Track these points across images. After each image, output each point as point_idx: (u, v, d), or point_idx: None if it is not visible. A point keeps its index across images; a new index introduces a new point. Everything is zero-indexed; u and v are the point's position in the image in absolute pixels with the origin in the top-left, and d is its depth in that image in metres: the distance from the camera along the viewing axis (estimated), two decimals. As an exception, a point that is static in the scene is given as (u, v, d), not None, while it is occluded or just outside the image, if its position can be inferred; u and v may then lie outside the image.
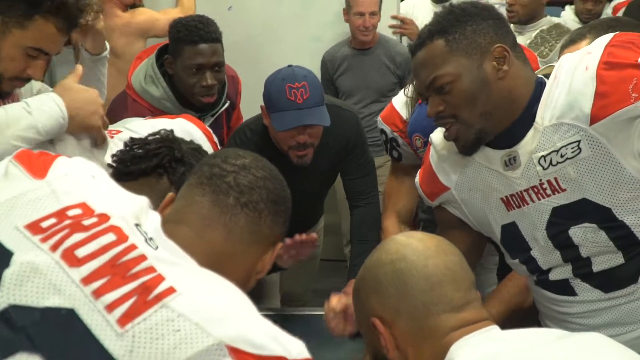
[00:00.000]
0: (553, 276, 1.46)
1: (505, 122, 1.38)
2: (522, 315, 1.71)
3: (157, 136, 1.55)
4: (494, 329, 1.09)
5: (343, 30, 3.92)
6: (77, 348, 0.81)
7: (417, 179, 1.68)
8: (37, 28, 1.57)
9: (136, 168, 1.48)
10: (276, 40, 3.98)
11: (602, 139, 1.29)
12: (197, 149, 1.55)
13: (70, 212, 0.93)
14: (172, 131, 1.58)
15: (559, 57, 1.88)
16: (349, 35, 3.82)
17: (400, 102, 2.22)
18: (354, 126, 2.38)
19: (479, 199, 1.50)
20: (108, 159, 1.70)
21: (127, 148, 1.54)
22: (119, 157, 1.53)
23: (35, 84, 1.80)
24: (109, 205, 0.96)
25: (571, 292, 1.45)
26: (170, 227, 1.00)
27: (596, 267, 1.40)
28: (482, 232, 1.58)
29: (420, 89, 1.45)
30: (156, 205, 1.08)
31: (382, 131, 2.26)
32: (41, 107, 1.54)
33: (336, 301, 1.64)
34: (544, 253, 1.44)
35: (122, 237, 0.90)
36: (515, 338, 1.07)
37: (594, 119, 1.28)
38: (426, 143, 1.92)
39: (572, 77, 1.32)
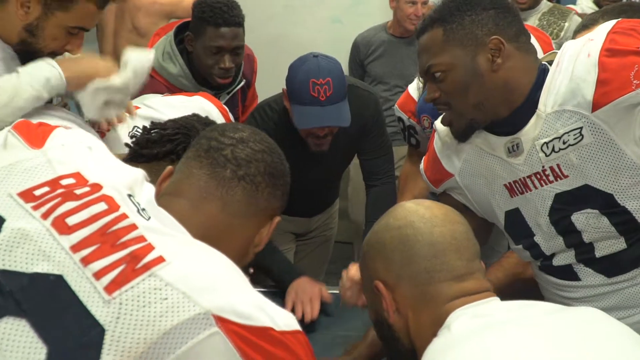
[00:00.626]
0: (556, 262, 1.47)
1: (504, 110, 1.39)
2: (524, 289, 1.73)
3: (177, 122, 1.56)
4: (494, 300, 1.11)
5: (364, 13, 3.91)
6: (64, 314, 0.81)
7: (421, 166, 1.69)
8: (79, 9, 1.62)
9: (148, 152, 1.50)
10: (296, 21, 3.99)
11: (604, 126, 1.29)
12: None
13: (64, 181, 0.94)
14: (195, 117, 1.59)
15: (561, 39, 1.89)
16: (370, 17, 3.79)
17: (414, 88, 2.25)
18: (373, 107, 2.38)
19: (482, 185, 1.51)
20: (126, 137, 1.75)
21: (145, 131, 1.57)
22: (136, 139, 1.56)
23: None
24: (103, 175, 0.97)
25: (575, 277, 1.46)
26: (166, 200, 1.01)
27: (599, 252, 1.41)
28: (487, 218, 1.59)
29: (420, 73, 1.47)
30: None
31: (400, 119, 2.29)
32: (31, 69, 1.58)
33: (355, 270, 1.65)
34: (547, 239, 1.45)
35: (113, 206, 0.91)
36: (511, 309, 1.08)
37: (595, 105, 1.28)
38: (433, 124, 1.94)
39: (574, 64, 1.32)
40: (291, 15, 3.99)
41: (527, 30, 1.45)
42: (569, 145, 1.33)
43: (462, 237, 1.14)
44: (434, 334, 1.05)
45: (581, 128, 1.31)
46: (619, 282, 1.42)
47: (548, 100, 1.35)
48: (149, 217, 0.93)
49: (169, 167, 1.13)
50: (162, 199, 1.01)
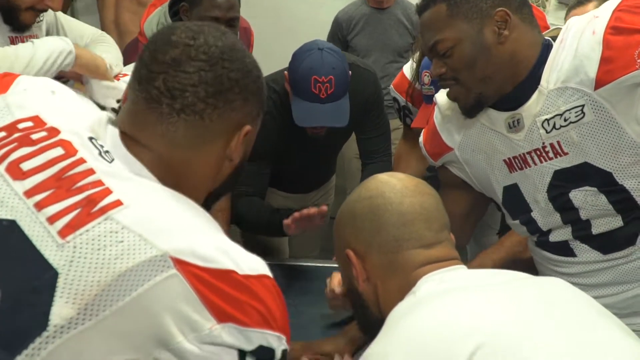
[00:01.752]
0: (553, 237, 1.48)
1: (509, 85, 1.39)
2: (524, 268, 1.74)
3: None
4: (461, 268, 1.13)
5: (365, -13, 3.88)
6: (17, 258, 0.81)
7: (420, 139, 1.70)
8: None
9: None
10: (298, -2, 3.96)
11: (606, 104, 1.29)
12: None
13: (21, 125, 0.93)
14: None
15: (565, 19, 1.88)
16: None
17: (409, 69, 2.25)
18: (372, 85, 2.36)
19: (482, 160, 1.52)
20: (113, 103, 1.76)
21: None
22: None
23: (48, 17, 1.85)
24: (63, 119, 0.94)
25: (570, 253, 1.47)
26: (122, 138, 0.96)
27: (595, 229, 1.42)
28: (485, 193, 1.60)
29: (424, 50, 1.47)
30: None
31: (395, 99, 2.29)
32: (46, 40, 1.60)
33: (337, 282, 1.68)
34: (545, 215, 1.46)
35: (70, 151, 0.89)
36: (478, 276, 1.10)
37: (598, 83, 1.28)
38: (433, 82, 1.94)
39: (578, 41, 1.32)
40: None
41: (528, 1, 1.45)
42: (570, 122, 1.34)
43: (432, 208, 1.16)
44: (401, 301, 1.07)
45: (583, 106, 1.31)
46: (614, 259, 1.43)
47: (551, 76, 1.35)
48: (112, 160, 0.91)
49: (126, 90, 1.08)
50: (121, 136, 0.97)
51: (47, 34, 1.88)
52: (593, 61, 1.28)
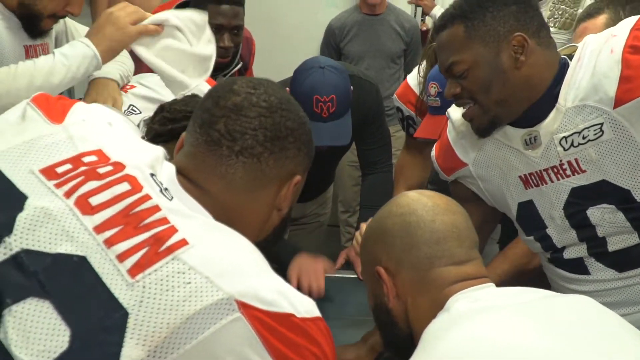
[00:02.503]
0: (567, 254, 1.48)
1: (524, 105, 1.39)
2: (529, 280, 1.75)
3: (192, 98, 1.53)
4: (491, 286, 1.14)
5: (358, -5, 3.91)
6: (88, 296, 0.80)
7: (433, 153, 1.69)
8: None
9: (164, 129, 1.47)
10: (292, 4, 3.97)
11: (625, 122, 1.30)
12: None
13: (86, 159, 0.92)
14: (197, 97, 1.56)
15: (574, 29, 1.88)
16: (357, 1, 3.83)
17: (414, 79, 2.25)
18: (374, 97, 2.36)
19: (497, 176, 1.52)
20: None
21: (158, 111, 1.55)
22: (151, 119, 1.54)
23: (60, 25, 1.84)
24: (125, 153, 0.95)
25: (585, 270, 1.47)
26: (179, 178, 0.99)
27: (611, 246, 1.42)
28: (498, 208, 1.60)
29: (441, 70, 1.46)
30: None
31: (398, 109, 2.29)
32: (66, 49, 1.56)
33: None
34: (560, 232, 1.46)
35: (136, 186, 0.89)
36: (508, 294, 1.11)
37: (618, 102, 1.28)
38: (440, 93, 1.94)
39: (596, 60, 1.32)
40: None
41: (546, 23, 1.45)
42: (589, 140, 1.34)
43: (463, 227, 1.17)
44: (432, 318, 1.07)
45: (602, 124, 1.31)
46: (629, 277, 1.43)
47: (568, 94, 1.36)
48: (172, 198, 0.91)
49: (183, 135, 1.08)
50: (177, 175, 0.99)
51: (57, 40, 1.86)
52: (612, 80, 1.29)
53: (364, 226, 1.65)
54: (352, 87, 2.17)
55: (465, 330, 0.98)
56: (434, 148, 1.70)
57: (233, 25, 2.29)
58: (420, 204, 1.17)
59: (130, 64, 2.02)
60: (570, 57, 1.40)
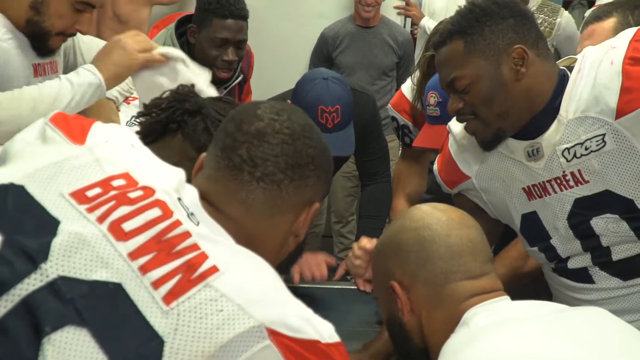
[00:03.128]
0: (572, 264, 1.49)
1: (526, 117, 1.41)
2: (527, 284, 1.77)
3: (170, 93, 1.51)
4: (506, 299, 1.14)
5: (348, 7, 3.94)
6: (124, 324, 0.80)
7: (435, 167, 1.70)
8: None
9: (149, 129, 1.42)
10: (281, 16, 3.99)
11: (627, 133, 1.31)
12: (218, 97, 1.46)
13: (115, 183, 0.92)
14: (191, 85, 1.51)
15: (581, 33, 1.89)
16: (352, 12, 3.85)
17: (408, 88, 2.27)
18: (371, 108, 2.38)
19: (500, 188, 1.53)
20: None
21: (144, 111, 1.52)
22: (138, 123, 1.52)
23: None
24: (151, 177, 0.95)
25: (589, 280, 1.48)
26: (201, 202, 0.98)
27: (616, 255, 1.44)
28: (501, 220, 1.61)
29: (442, 85, 1.48)
30: (173, 162, 1.04)
31: (394, 118, 2.31)
32: (72, 76, 1.56)
33: (367, 240, 1.65)
34: (564, 242, 1.47)
35: (167, 212, 0.90)
36: (524, 307, 1.11)
37: (619, 113, 1.30)
38: (439, 103, 1.96)
39: (596, 71, 1.34)
40: (276, 10, 3.98)
41: (543, 35, 1.46)
42: (591, 151, 1.35)
43: (477, 240, 1.17)
44: (448, 332, 1.08)
45: (604, 135, 1.33)
46: (634, 285, 1.45)
47: (570, 106, 1.37)
48: (198, 223, 0.92)
49: (202, 156, 1.07)
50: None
51: (65, 55, 1.86)
52: (613, 91, 1.30)
53: (364, 240, 1.66)
54: None
55: (486, 344, 0.99)
56: (436, 162, 1.70)
57: (237, 40, 2.31)
58: (434, 218, 1.17)
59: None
60: (570, 68, 1.42)
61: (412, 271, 1.15)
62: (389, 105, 2.37)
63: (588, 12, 2.03)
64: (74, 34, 1.72)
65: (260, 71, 2.97)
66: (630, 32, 1.35)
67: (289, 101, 2.17)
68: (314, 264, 2.04)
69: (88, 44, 1.94)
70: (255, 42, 3.14)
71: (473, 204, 1.62)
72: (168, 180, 0.96)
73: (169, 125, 1.33)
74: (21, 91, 1.54)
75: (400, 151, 2.50)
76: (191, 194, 0.98)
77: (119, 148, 1.00)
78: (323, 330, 0.88)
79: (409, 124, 2.28)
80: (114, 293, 0.81)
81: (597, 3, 2.32)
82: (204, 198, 0.99)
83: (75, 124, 1.03)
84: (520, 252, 1.75)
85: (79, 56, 1.92)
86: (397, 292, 1.15)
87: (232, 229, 0.97)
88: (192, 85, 1.46)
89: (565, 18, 3.12)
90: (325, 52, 3.84)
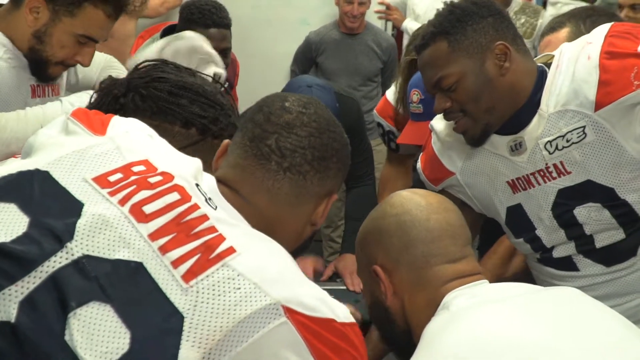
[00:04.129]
0: (557, 253, 1.55)
1: (510, 111, 1.46)
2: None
3: (97, 93, 1.46)
4: (486, 282, 1.18)
5: (331, 14, 3.99)
6: (145, 300, 0.83)
7: (418, 165, 1.74)
8: (86, 16, 1.63)
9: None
10: (264, 24, 4.03)
11: (606, 124, 1.37)
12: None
13: (135, 168, 0.96)
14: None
15: (539, 42, 1.97)
16: (337, 18, 3.89)
17: (392, 94, 2.32)
18: (356, 112, 2.41)
19: (484, 182, 1.58)
20: None
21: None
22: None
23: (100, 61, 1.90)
24: (170, 164, 0.98)
25: (574, 267, 1.54)
26: (221, 188, 1.02)
27: (599, 243, 1.49)
28: (486, 214, 1.65)
29: (427, 87, 1.52)
30: None
31: (379, 124, 2.37)
32: (74, 99, 1.59)
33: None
34: (549, 232, 1.53)
35: (185, 196, 0.93)
36: (503, 289, 1.16)
37: (598, 105, 1.36)
38: (422, 100, 2.01)
39: (574, 66, 1.39)
40: (259, 17, 4.02)
41: (519, 33, 1.52)
42: (573, 143, 1.41)
43: (457, 224, 1.21)
44: (430, 315, 1.11)
45: (584, 127, 1.38)
46: (616, 270, 1.50)
47: (550, 100, 1.42)
48: (216, 207, 0.95)
49: (225, 142, 1.12)
50: (218, 185, 1.03)
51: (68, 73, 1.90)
52: (591, 85, 1.36)
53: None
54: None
55: (466, 326, 1.03)
56: (419, 160, 1.75)
57: (221, 48, 2.33)
58: (414, 203, 1.21)
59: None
60: (548, 65, 1.47)
61: (394, 255, 1.18)
62: (375, 111, 2.43)
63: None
64: (74, 65, 1.75)
65: (245, 78, 3.01)
66: (605, 27, 1.41)
67: None
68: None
69: None
70: (240, 50, 3.19)
71: (458, 200, 1.66)
72: (186, 168, 0.99)
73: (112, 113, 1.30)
74: (26, 113, 1.57)
75: (386, 155, 2.55)
76: (209, 181, 1.01)
77: (138, 138, 1.04)
78: (339, 311, 0.91)
79: (394, 129, 2.34)
80: (135, 271, 0.85)
81: None
82: (228, 185, 1.03)
83: (95, 117, 1.07)
84: (502, 258, 1.80)
85: (74, 72, 1.96)
86: (380, 276, 1.19)
87: (252, 215, 1.00)
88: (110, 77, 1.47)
89: (546, 19, 3.18)
90: (308, 56, 3.88)
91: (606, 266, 1.51)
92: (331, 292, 2.06)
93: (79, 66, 1.92)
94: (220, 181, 1.03)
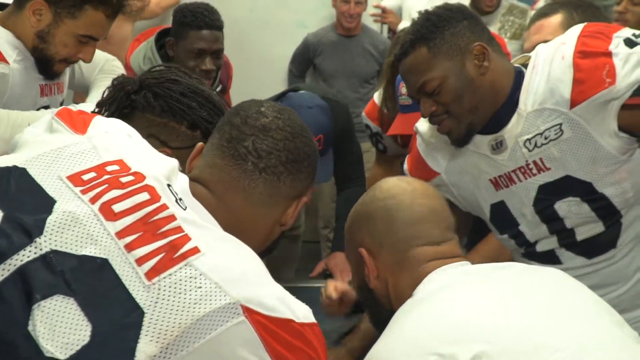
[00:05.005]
0: (540, 247, 1.59)
1: (491, 111, 1.51)
2: None
3: (110, 89, 1.53)
4: (467, 264, 1.21)
5: (328, 16, 4.02)
6: (108, 295, 0.87)
7: (405, 167, 1.80)
8: (87, 17, 1.71)
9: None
10: (262, 25, 4.06)
11: (582, 121, 1.42)
12: (150, 69, 1.50)
13: (109, 168, 1.00)
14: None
15: (528, 28, 2.01)
16: (334, 20, 3.93)
17: (379, 96, 2.38)
18: (345, 116, 2.46)
19: (469, 181, 1.62)
20: None
21: (96, 110, 1.56)
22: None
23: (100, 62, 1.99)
24: (144, 164, 1.02)
25: (557, 260, 1.58)
26: (194, 187, 1.06)
27: (579, 236, 1.54)
28: (471, 212, 1.70)
29: (411, 93, 1.56)
30: (144, 137, 1.13)
31: (367, 126, 2.43)
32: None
33: (332, 288, 1.78)
34: (532, 227, 1.57)
35: (155, 196, 0.97)
36: (480, 271, 1.20)
37: (573, 103, 1.40)
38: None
39: (550, 66, 1.44)
40: (256, 19, 4.05)
41: (492, 35, 1.58)
42: (550, 140, 1.45)
43: (440, 210, 1.27)
44: (411, 296, 1.16)
45: (561, 124, 1.43)
46: (598, 262, 1.55)
47: (528, 100, 1.47)
48: (186, 207, 0.99)
49: (199, 145, 1.17)
50: (191, 185, 1.06)
51: (71, 70, 1.98)
52: (566, 83, 1.40)
53: (330, 287, 1.79)
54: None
55: (424, 309, 1.08)
56: (405, 162, 1.80)
57: (214, 49, 2.39)
58: (400, 188, 1.28)
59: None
60: (525, 66, 1.52)
61: (379, 239, 1.23)
62: (363, 113, 2.50)
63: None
64: (76, 62, 1.82)
65: (242, 81, 3.05)
66: (578, 28, 1.46)
67: None
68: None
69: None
70: (236, 52, 3.22)
71: (448, 201, 1.71)
72: (160, 168, 1.03)
73: (123, 112, 1.39)
74: (35, 113, 1.65)
75: (375, 157, 2.60)
76: (182, 181, 1.05)
77: (116, 138, 1.08)
78: (298, 311, 0.95)
79: (381, 131, 2.40)
80: (101, 267, 0.89)
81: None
82: (203, 184, 1.08)
83: (78, 117, 1.11)
84: (484, 258, 1.84)
85: (77, 67, 2.03)
86: (364, 259, 1.24)
87: (224, 215, 1.04)
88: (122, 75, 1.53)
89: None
90: (306, 57, 3.93)
91: (587, 258, 1.55)
92: (321, 290, 2.10)
93: (82, 65, 1.99)
94: (195, 181, 1.07)
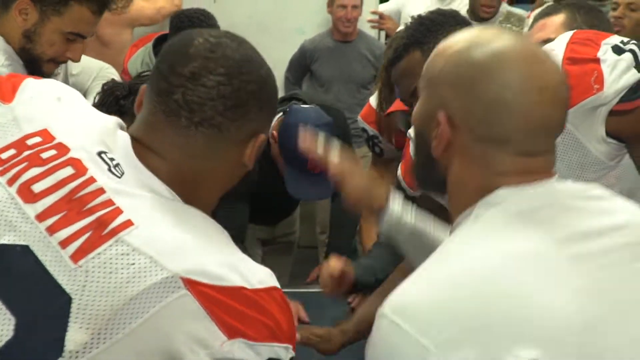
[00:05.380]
0: None
1: None
2: None
3: (100, 94, 1.55)
4: (551, 183, 0.97)
5: (326, 23, 4.02)
6: (31, 285, 0.82)
7: (399, 172, 1.81)
8: (73, 14, 1.70)
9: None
10: (260, 32, 4.06)
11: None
12: (140, 73, 1.50)
13: (30, 141, 0.92)
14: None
15: (530, 28, 2.02)
16: (331, 26, 3.94)
17: (375, 100, 2.40)
18: (341, 124, 2.49)
19: None
20: None
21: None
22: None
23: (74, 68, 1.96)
24: (71, 132, 0.93)
25: None
26: (134, 145, 0.95)
27: None
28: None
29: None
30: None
31: (364, 130, 2.44)
32: None
33: (334, 263, 1.75)
34: None
35: (80, 170, 0.89)
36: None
37: None
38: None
39: None
40: (256, 25, 4.06)
41: None
42: None
43: (555, 118, 1.00)
44: (469, 201, 0.94)
45: None
46: None
47: None
48: (122, 174, 0.90)
49: (143, 87, 1.02)
50: (132, 143, 0.96)
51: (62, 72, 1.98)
52: None
53: (333, 261, 1.78)
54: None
55: (457, 267, 0.86)
56: (399, 167, 1.82)
57: None
58: (523, 77, 0.94)
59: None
60: None
61: (473, 123, 0.95)
62: (359, 117, 2.51)
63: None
64: (65, 62, 1.82)
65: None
66: (567, 35, 1.48)
67: (274, 132, 2.27)
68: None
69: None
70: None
71: (437, 204, 1.71)
72: (90, 134, 0.94)
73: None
74: None
75: (371, 160, 2.62)
76: (123, 141, 0.95)
77: (42, 104, 0.99)
78: (251, 276, 0.87)
79: (378, 134, 2.41)
80: (21, 255, 0.83)
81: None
82: (140, 142, 0.96)
83: (7, 83, 1.02)
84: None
85: (68, 72, 2.04)
86: (441, 123, 0.96)
87: (171, 172, 0.94)
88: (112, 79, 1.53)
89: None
90: (302, 63, 3.95)
91: None
92: (318, 295, 2.10)
93: (72, 70, 1.98)
94: (133, 138, 0.97)
